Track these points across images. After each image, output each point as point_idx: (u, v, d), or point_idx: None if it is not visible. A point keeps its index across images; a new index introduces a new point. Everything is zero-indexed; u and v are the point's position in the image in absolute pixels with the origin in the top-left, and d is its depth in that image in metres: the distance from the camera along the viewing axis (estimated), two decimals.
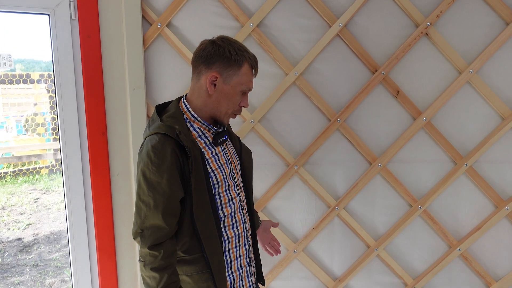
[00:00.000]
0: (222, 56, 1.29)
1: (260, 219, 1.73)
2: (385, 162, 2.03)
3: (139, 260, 1.30)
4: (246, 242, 1.44)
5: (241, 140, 1.89)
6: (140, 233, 1.27)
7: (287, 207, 2.07)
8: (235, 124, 1.94)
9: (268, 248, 1.73)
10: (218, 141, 1.37)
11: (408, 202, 2.09)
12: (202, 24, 1.87)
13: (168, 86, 1.89)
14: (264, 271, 2.09)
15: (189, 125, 1.34)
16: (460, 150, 2.05)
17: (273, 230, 2.05)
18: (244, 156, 1.50)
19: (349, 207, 2.09)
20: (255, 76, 1.38)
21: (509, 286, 2.17)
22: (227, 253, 1.38)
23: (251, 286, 1.47)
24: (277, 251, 1.73)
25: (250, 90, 1.37)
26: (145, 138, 1.31)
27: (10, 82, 6.87)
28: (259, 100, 1.96)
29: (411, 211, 2.08)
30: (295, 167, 2.00)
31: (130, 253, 1.94)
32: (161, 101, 1.88)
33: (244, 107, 1.38)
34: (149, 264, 1.25)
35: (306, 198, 2.06)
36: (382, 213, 2.11)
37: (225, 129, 1.42)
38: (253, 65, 1.34)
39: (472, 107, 2.03)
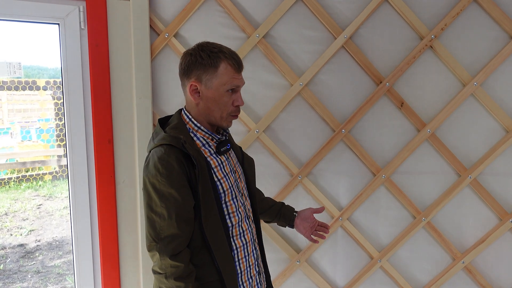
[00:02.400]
0: (196, 63, 1.30)
1: (295, 210, 1.72)
2: (389, 173, 2.03)
3: (157, 273, 1.28)
4: (254, 251, 1.44)
5: (246, 150, 1.92)
6: (155, 246, 1.26)
7: None
8: (240, 133, 1.96)
9: (313, 237, 1.70)
10: (222, 149, 1.38)
11: (412, 213, 2.09)
12: (209, 35, 1.90)
13: (175, 96, 1.91)
14: None
15: (192, 134, 1.35)
16: (464, 162, 2.05)
17: (277, 240, 2.05)
18: (247, 165, 1.51)
19: (352, 218, 2.09)
20: (240, 70, 1.34)
21: None
22: (237, 263, 1.38)
23: None
24: (323, 235, 1.71)
25: (238, 86, 1.34)
26: (150, 151, 1.32)
27: (16, 89, 6.93)
28: (264, 110, 1.97)
29: (415, 222, 2.08)
30: (299, 177, 2.01)
31: (134, 262, 1.95)
32: (167, 110, 1.91)
33: (239, 105, 1.35)
34: (172, 275, 1.25)
35: None
36: (386, 225, 2.10)
37: (227, 138, 1.43)
38: (232, 62, 1.30)
39: (476, 120, 2.04)
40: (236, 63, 1.31)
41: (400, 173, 2.06)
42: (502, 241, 2.11)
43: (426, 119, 2.02)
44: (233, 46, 1.86)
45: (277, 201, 1.76)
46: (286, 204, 1.75)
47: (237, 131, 1.95)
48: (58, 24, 1.75)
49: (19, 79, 6.88)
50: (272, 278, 2.08)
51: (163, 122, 1.42)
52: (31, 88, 6.93)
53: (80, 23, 1.77)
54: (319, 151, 2.01)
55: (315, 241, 1.71)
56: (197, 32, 1.90)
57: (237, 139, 1.92)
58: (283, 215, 1.70)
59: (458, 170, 2.05)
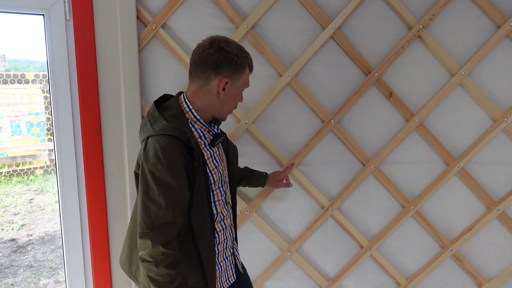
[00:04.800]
0: (231, 62, 1.33)
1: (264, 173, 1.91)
2: (378, 163, 2.05)
3: (146, 261, 1.28)
4: (231, 235, 1.54)
5: (235, 141, 1.94)
6: (148, 234, 1.26)
7: (281, 207, 2.08)
8: (230, 125, 1.96)
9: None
10: (216, 142, 1.42)
11: (401, 203, 2.11)
12: (197, 26, 1.88)
13: (163, 87, 1.90)
14: (258, 271, 2.11)
15: (191, 125, 1.37)
16: (452, 152, 2.07)
17: (267, 231, 2.06)
18: (231, 153, 1.56)
19: (342, 207, 2.10)
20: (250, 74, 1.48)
21: (500, 286, 2.19)
22: (217, 245, 1.45)
23: (234, 275, 1.56)
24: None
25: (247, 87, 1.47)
26: (149, 137, 1.31)
27: (5, 82, 6.84)
28: (253, 101, 1.97)
29: (404, 211, 2.10)
30: (293, 165, 2.01)
31: None
32: None
33: (240, 102, 1.48)
34: (162, 262, 1.26)
35: (300, 198, 2.08)
36: (375, 214, 2.12)
37: (221, 131, 1.48)
38: (251, 65, 1.43)
39: (464, 109, 2.05)
40: (252, 67, 1.44)
41: (389, 163, 2.07)
42: (489, 229, 2.14)
43: (415, 109, 2.03)
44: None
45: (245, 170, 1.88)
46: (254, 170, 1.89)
47: (226, 122, 1.94)
48: (43, 15, 1.73)
49: (8, 73, 6.78)
50: (263, 268, 2.10)
51: (159, 103, 1.42)
52: (20, 82, 6.83)
53: (65, 14, 1.74)
54: (308, 142, 2.01)
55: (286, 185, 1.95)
56: (184, 23, 1.88)
57: (226, 130, 1.91)
58: (253, 182, 1.87)
59: (446, 159, 2.07)
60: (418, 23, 1.94)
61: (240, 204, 2.04)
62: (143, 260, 1.29)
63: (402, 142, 2.05)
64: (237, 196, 2.01)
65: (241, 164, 1.98)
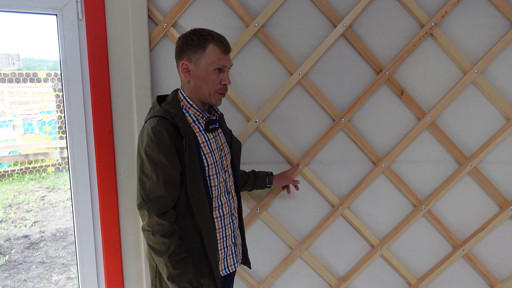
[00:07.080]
0: (187, 45, 1.44)
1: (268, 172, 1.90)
2: (389, 162, 2.03)
3: (145, 230, 1.40)
4: (231, 224, 1.57)
5: (245, 140, 1.95)
6: (145, 205, 1.39)
7: (291, 206, 2.08)
8: (240, 123, 1.96)
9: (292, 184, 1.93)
10: (210, 127, 1.51)
11: (412, 202, 2.09)
12: (207, 24, 1.87)
13: (174, 86, 1.89)
14: (268, 269, 2.11)
15: (185, 111, 1.49)
16: (465, 151, 2.05)
17: (278, 229, 2.07)
18: (234, 147, 1.65)
19: (353, 206, 2.10)
20: (227, 52, 1.46)
21: None
22: (216, 231, 1.51)
23: (235, 265, 1.60)
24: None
25: (225, 66, 1.46)
26: (146, 121, 1.46)
27: (17, 81, 6.93)
28: (264, 99, 1.97)
29: (415, 211, 2.09)
30: (299, 166, 2.01)
31: (136, 251, 1.96)
32: None
33: (226, 84, 1.47)
34: (158, 232, 1.37)
35: (310, 197, 2.07)
36: (386, 213, 2.11)
37: (218, 118, 1.56)
38: (219, 44, 1.44)
39: (477, 108, 2.03)
40: (223, 45, 1.45)
41: (400, 162, 2.06)
42: (502, 229, 2.12)
43: (426, 108, 2.02)
44: (232, 35, 1.86)
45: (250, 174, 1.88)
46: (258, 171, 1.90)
47: (236, 120, 1.95)
48: (56, 15, 1.75)
49: (20, 71, 6.88)
50: (273, 266, 2.11)
51: (161, 99, 1.56)
52: (32, 80, 6.93)
53: (78, 13, 1.76)
54: (319, 141, 2.01)
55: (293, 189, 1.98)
56: (195, 22, 1.89)
57: (236, 129, 1.92)
58: (259, 181, 1.87)
59: (458, 158, 2.05)
60: (430, 21, 1.92)
61: (251, 203, 2.04)
62: (143, 230, 1.41)
63: (413, 141, 2.03)
64: (248, 195, 2.02)
65: (252, 162, 1.98)
